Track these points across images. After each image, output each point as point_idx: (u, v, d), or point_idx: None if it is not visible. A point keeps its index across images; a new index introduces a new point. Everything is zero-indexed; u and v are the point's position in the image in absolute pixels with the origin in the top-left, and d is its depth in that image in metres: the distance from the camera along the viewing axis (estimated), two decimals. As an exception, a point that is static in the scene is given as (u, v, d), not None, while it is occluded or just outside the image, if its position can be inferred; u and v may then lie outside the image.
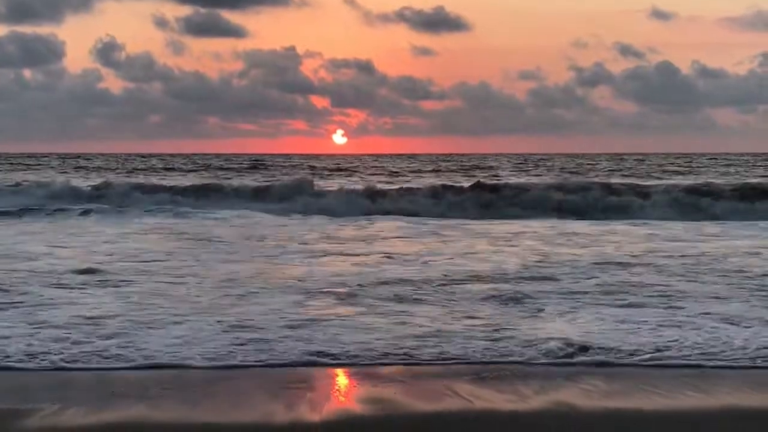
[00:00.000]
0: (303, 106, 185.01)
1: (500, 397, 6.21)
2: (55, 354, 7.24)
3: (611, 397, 6.26)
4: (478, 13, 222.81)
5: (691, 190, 25.85)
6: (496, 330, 8.16)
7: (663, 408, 6.02)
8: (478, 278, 11.19)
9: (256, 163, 67.62)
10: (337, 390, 6.62)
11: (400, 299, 9.74)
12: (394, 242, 16.16)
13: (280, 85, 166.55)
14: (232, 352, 7.34)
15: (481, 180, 36.72)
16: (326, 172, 52.11)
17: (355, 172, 53.00)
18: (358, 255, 13.92)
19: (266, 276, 11.52)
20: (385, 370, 6.94)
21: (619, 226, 19.56)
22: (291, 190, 26.57)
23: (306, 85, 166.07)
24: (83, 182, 34.63)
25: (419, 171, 54.88)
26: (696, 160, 76.31)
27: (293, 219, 21.72)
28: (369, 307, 9.29)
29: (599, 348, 7.50)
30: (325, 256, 13.81)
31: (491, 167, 61.24)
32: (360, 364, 7.07)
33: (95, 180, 38.90)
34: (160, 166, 64.76)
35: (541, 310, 9.11)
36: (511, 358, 7.24)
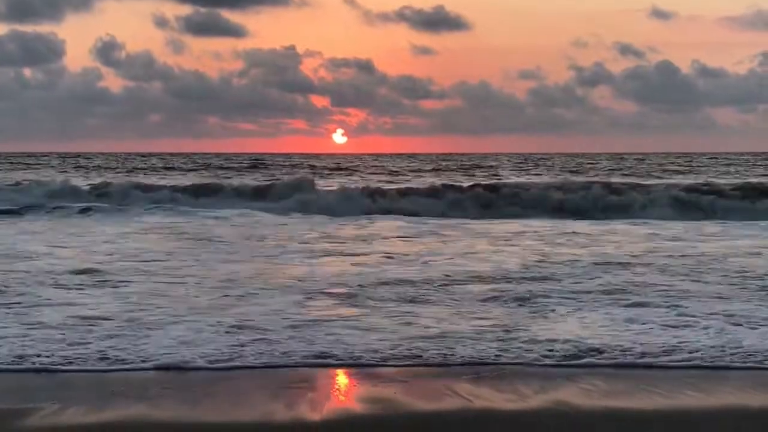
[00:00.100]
0: (303, 106, 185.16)
1: (500, 396, 6.21)
2: (54, 355, 7.22)
3: (611, 396, 6.26)
4: (478, 12, 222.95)
5: (692, 190, 25.84)
6: (506, 331, 8.10)
7: (663, 407, 6.02)
8: (480, 278, 11.16)
9: (256, 163, 67.63)
10: (337, 389, 6.62)
11: (402, 299, 9.70)
12: (395, 242, 16.15)
13: (280, 84, 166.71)
14: (232, 353, 7.31)
15: (481, 179, 36.75)
16: (326, 172, 52.10)
17: (355, 171, 53.00)
18: (358, 255, 13.91)
19: (266, 276, 11.51)
20: (384, 369, 6.93)
21: (620, 225, 19.56)
22: (291, 190, 26.55)
23: (306, 84, 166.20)
24: (83, 181, 34.61)
25: (419, 170, 54.88)
26: (696, 160, 76.31)
27: (293, 218, 21.71)
28: (371, 307, 9.26)
29: (613, 349, 7.45)
30: (325, 255, 13.79)
31: (491, 166, 61.24)
32: (363, 365, 7.03)
33: (95, 179, 38.91)
34: (160, 165, 64.76)
35: (548, 311, 9.05)
36: (524, 360, 7.17)
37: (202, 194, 26.60)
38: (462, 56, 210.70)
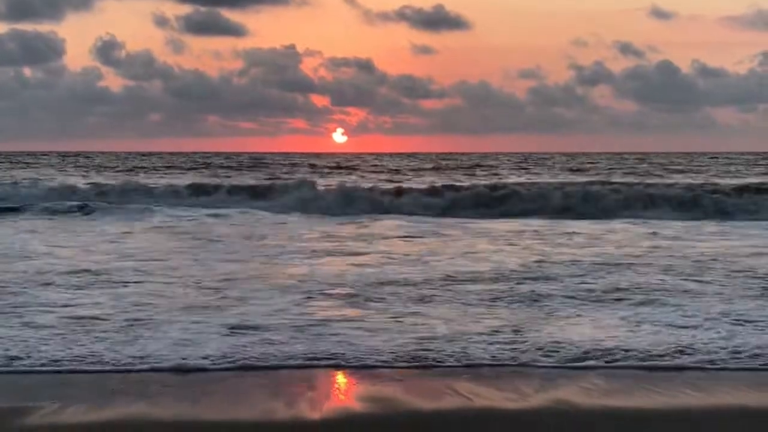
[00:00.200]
0: (303, 105, 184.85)
1: (500, 395, 6.21)
2: (52, 355, 7.21)
3: (611, 395, 6.26)
4: (478, 11, 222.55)
5: (692, 189, 25.85)
6: (516, 332, 8.05)
7: (663, 407, 6.02)
8: (482, 278, 11.11)
9: (257, 162, 67.61)
10: (337, 388, 6.62)
11: (405, 300, 9.65)
12: (395, 242, 16.14)
13: (280, 83, 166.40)
14: (232, 353, 7.28)
15: (481, 179, 36.74)
16: (326, 171, 52.08)
17: (356, 170, 52.98)
18: (359, 254, 13.89)
19: (267, 276, 11.50)
20: (384, 369, 6.93)
21: (620, 224, 19.55)
22: (291, 189, 26.56)
23: (306, 83, 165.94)
24: (83, 180, 34.62)
25: (419, 169, 54.86)
26: (696, 160, 76.30)
27: (293, 218, 21.70)
28: (372, 308, 9.22)
29: (620, 351, 7.40)
30: (326, 255, 13.75)
31: (491, 166, 61.21)
32: (366, 367, 7.01)
33: (95, 178, 38.94)
34: (160, 164, 64.73)
35: (552, 312, 9.00)
36: (532, 362, 7.11)
37: (202, 193, 26.61)
38: (462, 55, 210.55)
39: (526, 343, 7.63)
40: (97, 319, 8.54)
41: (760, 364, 7.13)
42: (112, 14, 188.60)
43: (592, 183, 29.12)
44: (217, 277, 11.27)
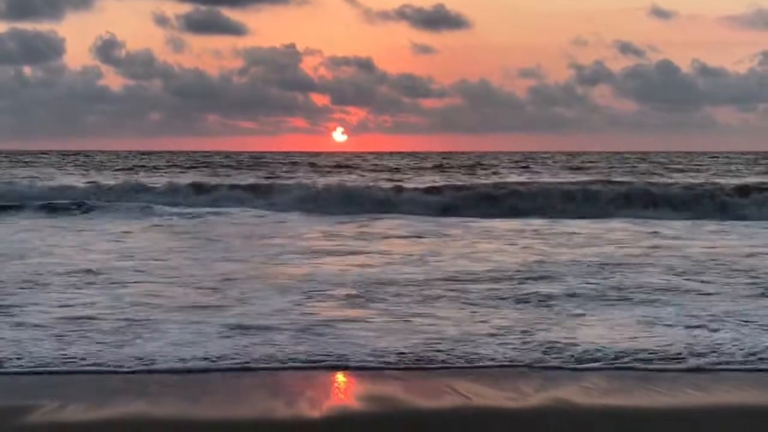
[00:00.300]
0: (303, 104, 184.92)
1: (500, 394, 6.21)
2: (50, 356, 7.17)
3: (611, 394, 6.26)
4: (478, 10, 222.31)
5: (692, 189, 25.84)
6: (527, 333, 7.98)
7: (663, 406, 6.02)
8: (486, 278, 11.05)
9: (257, 161, 67.57)
10: (337, 387, 6.62)
11: (408, 300, 9.59)
12: (396, 241, 16.14)
13: (280, 82, 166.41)
14: (232, 354, 7.23)
15: (482, 178, 36.72)
16: (326, 170, 52.05)
17: (356, 169, 52.96)
18: (360, 254, 13.86)
19: (267, 276, 11.49)
20: (385, 369, 6.92)
21: (620, 224, 19.54)
22: (292, 188, 26.55)
23: (306, 82, 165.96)
24: (82, 179, 34.59)
25: (419, 169, 54.84)
26: (696, 159, 76.28)
27: (293, 216, 21.67)
28: (375, 308, 9.19)
29: (627, 352, 7.35)
30: (327, 255, 13.72)
31: (492, 165, 61.19)
32: (369, 368, 6.97)
33: (94, 177, 38.90)
34: (160, 163, 64.70)
35: (561, 312, 8.94)
36: (549, 364, 7.04)
37: (202, 192, 26.58)
38: (462, 55, 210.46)
39: (534, 344, 7.59)
40: (95, 319, 8.51)
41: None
42: (112, 13, 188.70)
43: (592, 182, 29.08)
44: (217, 276, 11.26)
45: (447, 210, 23.49)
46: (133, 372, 6.77)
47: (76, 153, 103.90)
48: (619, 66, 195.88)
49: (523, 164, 63.92)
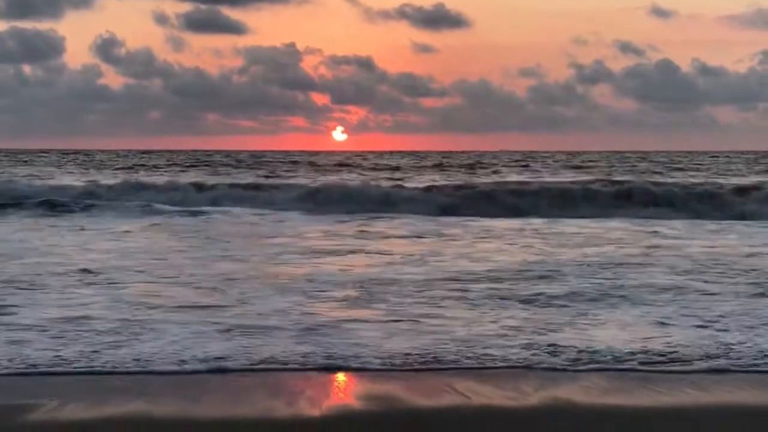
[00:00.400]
0: (303, 103, 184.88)
1: (500, 394, 6.20)
2: (49, 356, 7.13)
3: (611, 394, 6.25)
4: (478, 10, 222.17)
5: (692, 188, 25.84)
6: (539, 334, 7.92)
7: (663, 405, 6.01)
8: (489, 278, 11.00)
9: (257, 160, 67.57)
10: (337, 386, 6.61)
11: (410, 300, 9.52)
12: (397, 240, 16.13)
13: (280, 81, 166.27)
14: (233, 355, 7.17)
15: (482, 177, 36.72)
16: (327, 169, 52.04)
17: (356, 168, 52.95)
18: (361, 254, 13.84)
19: (268, 276, 11.47)
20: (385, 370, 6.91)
21: (620, 223, 19.53)
22: (292, 187, 26.54)
23: (306, 81, 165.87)
24: (82, 178, 34.58)
25: (419, 168, 54.84)
26: (696, 158, 76.26)
27: (294, 215, 21.65)
28: (377, 308, 9.15)
29: (655, 353, 7.28)
30: (328, 254, 13.66)
31: (492, 164, 61.18)
32: (372, 370, 6.95)
33: (94, 176, 38.89)
34: (160, 162, 64.69)
35: (567, 313, 8.88)
36: (561, 365, 6.95)
37: (202, 191, 26.56)
38: (462, 54, 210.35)
39: (535, 345, 7.57)
40: (95, 319, 8.47)
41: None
42: (112, 12, 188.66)
43: (592, 182, 29.08)
44: (217, 276, 11.24)
45: (447, 209, 23.47)
46: (132, 373, 6.72)
47: (76, 152, 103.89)
48: (619, 65, 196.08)
49: (523, 163, 63.93)
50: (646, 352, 7.33)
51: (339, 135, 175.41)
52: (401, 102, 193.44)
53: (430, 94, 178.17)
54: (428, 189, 26.98)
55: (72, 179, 33.40)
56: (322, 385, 6.56)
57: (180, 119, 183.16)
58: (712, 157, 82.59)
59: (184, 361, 6.96)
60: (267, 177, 41.24)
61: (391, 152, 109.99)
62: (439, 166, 57.38)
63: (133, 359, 7.02)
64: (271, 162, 64.60)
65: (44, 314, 8.62)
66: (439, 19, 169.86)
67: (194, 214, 21.72)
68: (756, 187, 26.22)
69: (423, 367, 6.92)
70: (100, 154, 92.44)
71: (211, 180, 33.54)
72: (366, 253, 13.87)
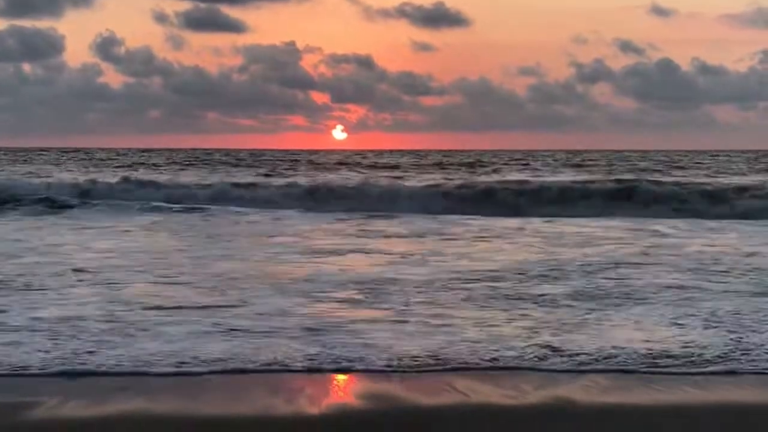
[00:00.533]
0: (303, 102, 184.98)
1: (499, 392, 6.20)
2: (45, 357, 7.07)
3: (611, 392, 6.24)
4: (478, 8, 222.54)
5: (692, 187, 25.83)
6: (543, 334, 7.86)
7: (662, 403, 6.00)
8: (489, 278, 10.95)
9: (256, 159, 67.52)
10: (336, 385, 6.60)
11: (412, 300, 9.46)
12: (397, 240, 16.11)
13: (279, 80, 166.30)
14: (232, 356, 7.09)
15: (482, 176, 36.70)
16: (326, 168, 52.00)
17: (356, 167, 52.89)
18: (362, 253, 13.81)
19: (268, 275, 11.43)
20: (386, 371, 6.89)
21: (621, 222, 19.51)
22: (292, 186, 26.52)
23: (306, 80, 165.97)
24: (82, 177, 34.52)
25: (419, 166, 54.80)
26: (697, 157, 76.22)
27: (294, 214, 21.62)
28: (378, 308, 9.11)
29: (662, 353, 7.23)
30: (328, 254, 13.60)
31: (491, 163, 61.15)
32: (373, 371, 6.93)
33: (94, 174, 38.84)
34: (160, 160, 64.66)
35: (570, 312, 8.85)
36: (565, 367, 6.90)
37: (202, 190, 26.54)
38: (462, 52, 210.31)
39: (537, 345, 7.55)
40: (94, 319, 8.45)
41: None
42: (112, 10, 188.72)
43: (592, 181, 29.06)
44: (217, 276, 11.21)
45: (447, 208, 23.44)
46: (131, 374, 6.66)
47: (76, 150, 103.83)
48: (619, 64, 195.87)
49: (523, 162, 63.90)
50: (658, 352, 7.26)
51: (339, 134, 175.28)
52: (401, 101, 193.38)
53: (430, 92, 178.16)
54: (428, 188, 26.96)
55: (71, 177, 33.34)
56: (321, 383, 6.55)
57: (180, 118, 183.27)
58: (713, 156, 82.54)
59: (184, 364, 6.87)
60: (267, 175, 41.21)
61: (391, 151, 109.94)
62: (438, 165, 57.35)
63: (134, 360, 6.96)
64: (271, 160, 64.56)
65: (43, 314, 8.59)
66: (438, 18, 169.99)
67: (194, 212, 21.70)
68: (756, 186, 26.21)
69: (429, 368, 6.85)
70: (99, 153, 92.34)
71: (210, 178, 33.51)
72: (367, 252, 13.84)
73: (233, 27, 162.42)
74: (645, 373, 6.73)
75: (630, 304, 9.29)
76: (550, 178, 35.40)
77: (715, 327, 8.17)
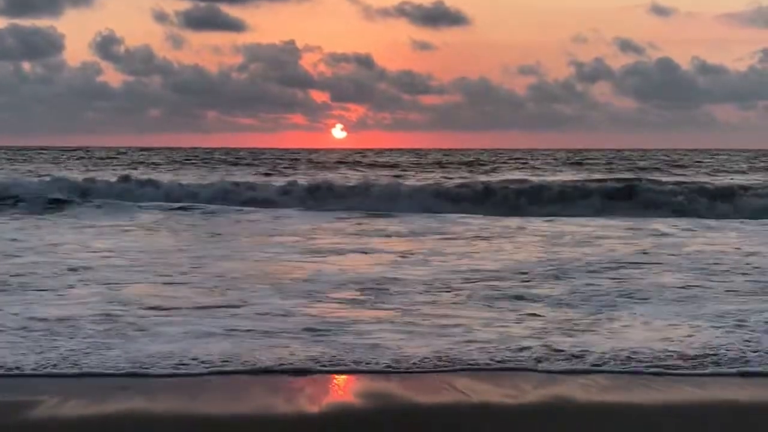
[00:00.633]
0: (302, 101, 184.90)
1: (498, 391, 6.20)
2: (43, 358, 7.06)
3: (610, 391, 6.24)
4: (477, 7, 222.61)
5: (692, 187, 25.82)
6: (567, 335, 7.81)
7: (663, 403, 5.99)
8: (490, 278, 10.93)
9: (256, 158, 67.52)
10: (336, 383, 6.58)
11: (414, 300, 9.43)
12: (397, 239, 16.10)
13: (279, 79, 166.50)
14: (233, 357, 7.05)
15: (482, 175, 36.70)
16: (326, 166, 51.99)
17: (355, 167, 52.88)
18: (362, 253, 13.78)
19: (269, 275, 11.42)
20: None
21: (621, 222, 19.50)
22: (291, 185, 26.50)
23: (305, 79, 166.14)
24: (81, 175, 34.50)
25: (419, 165, 54.79)
26: (697, 157, 76.19)
27: (293, 213, 21.60)
28: (379, 308, 9.07)
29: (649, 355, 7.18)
30: (329, 253, 13.58)
31: (491, 162, 61.14)
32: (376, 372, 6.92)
33: (93, 173, 38.82)
34: (160, 159, 64.64)
35: (573, 312, 8.80)
36: (569, 367, 6.86)
37: (201, 189, 26.51)
38: (462, 51, 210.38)
39: (537, 345, 7.55)
40: (94, 319, 8.44)
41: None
42: (112, 9, 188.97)
43: (592, 180, 29.05)
44: (217, 276, 11.20)
45: (446, 207, 23.44)
46: (130, 375, 6.61)
47: (76, 149, 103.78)
48: (619, 63, 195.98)
49: (523, 161, 63.89)
50: (669, 353, 7.22)
51: (338, 133, 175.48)
52: (400, 100, 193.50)
53: (430, 91, 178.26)
54: (428, 187, 26.95)
55: (71, 176, 33.31)
56: (321, 381, 6.53)
57: (179, 116, 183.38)
58: (713, 155, 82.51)
59: (183, 364, 6.83)
60: (266, 174, 41.20)
61: (391, 150, 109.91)
62: (438, 164, 57.33)
63: (133, 361, 6.93)
64: (271, 159, 64.54)
65: (42, 314, 8.56)
66: (438, 17, 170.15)
67: (193, 211, 21.68)
68: (756, 186, 26.19)
69: (433, 369, 6.81)
70: (99, 152, 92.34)
71: (210, 177, 33.49)
72: (367, 252, 13.82)
73: (233, 26, 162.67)
74: (656, 375, 6.67)
75: (634, 304, 9.27)
76: (549, 178, 35.41)
77: (722, 327, 8.15)
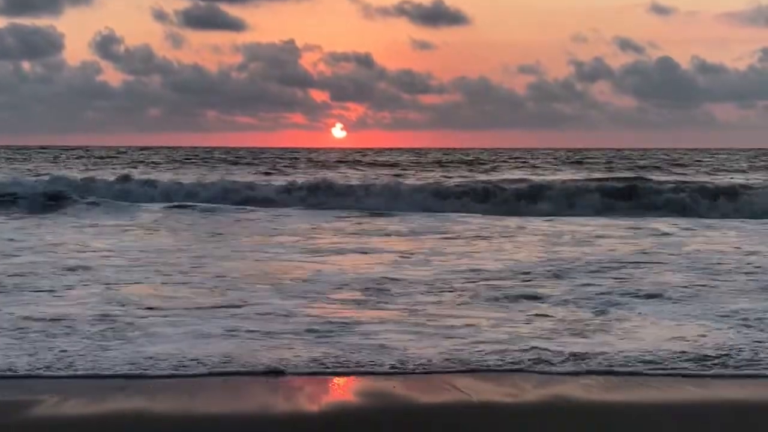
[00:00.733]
0: (302, 100, 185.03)
1: (499, 391, 6.18)
2: (47, 357, 7.05)
3: (610, 391, 6.23)
4: (477, 7, 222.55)
5: (693, 186, 25.81)
6: (578, 335, 7.77)
7: (662, 401, 5.98)
8: (491, 277, 10.91)
9: (256, 157, 67.49)
10: (336, 383, 6.57)
11: (416, 300, 9.39)
12: (398, 238, 16.09)
13: (279, 78, 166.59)
14: (232, 357, 7.02)
15: (481, 174, 36.70)
16: (326, 166, 51.97)
17: (355, 166, 52.86)
18: (362, 252, 13.76)
19: (269, 275, 11.40)
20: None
21: (621, 221, 19.50)
22: (291, 184, 26.48)
23: (305, 78, 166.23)
24: (81, 175, 34.48)
25: (419, 165, 54.78)
26: (696, 156, 76.19)
27: (293, 212, 21.60)
28: (382, 309, 9.05)
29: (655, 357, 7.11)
30: (329, 253, 13.57)
31: (491, 161, 61.12)
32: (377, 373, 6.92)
33: (93, 172, 38.81)
34: (159, 159, 64.62)
35: (575, 312, 8.78)
36: (569, 367, 6.82)
37: (201, 188, 26.49)
38: (461, 51, 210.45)
39: (539, 345, 7.54)
40: (94, 319, 8.43)
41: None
42: (111, 8, 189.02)
43: (592, 179, 29.04)
44: (217, 276, 11.19)
45: (446, 206, 23.43)
46: (130, 376, 6.58)
47: (75, 148, 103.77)
48: (619, 62, 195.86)
49: (523, 160, 63.87)
50: (678, 353, 7.19)
51: (338, 132, 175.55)
52: (400, 99, 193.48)
53: (429, 91, 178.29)
54: (427, 186, 26.94)
55: (71, 176, 33.29)
56: (321, 380, 6.51)
57: (179, 116, 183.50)
58: (712, 154, 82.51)
59: (184, 367, 6.77)
60: (266, 174, 41.19)
61: (391, 149, 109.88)
62: (438, 163, 57.32)
63: (133, 361, 6.91)
64: (271, 158, 64.53)
65: (42, 314, 8.55)
66: (438, 16, 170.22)
67: (193, 210, 21.67)
68: (756, 185, 26.17)
69: (437, 370, 6.81)
70: (99, 151, 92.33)
71: (210, 176, 33.48)
72: (367, 251, 13.80)
73: (232, 25, 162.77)
74: (662, 376, 6.64)
75: (637, 304, 9.23)
76: (549, 177, 35.40)
77: (730, 327, 8.11)
